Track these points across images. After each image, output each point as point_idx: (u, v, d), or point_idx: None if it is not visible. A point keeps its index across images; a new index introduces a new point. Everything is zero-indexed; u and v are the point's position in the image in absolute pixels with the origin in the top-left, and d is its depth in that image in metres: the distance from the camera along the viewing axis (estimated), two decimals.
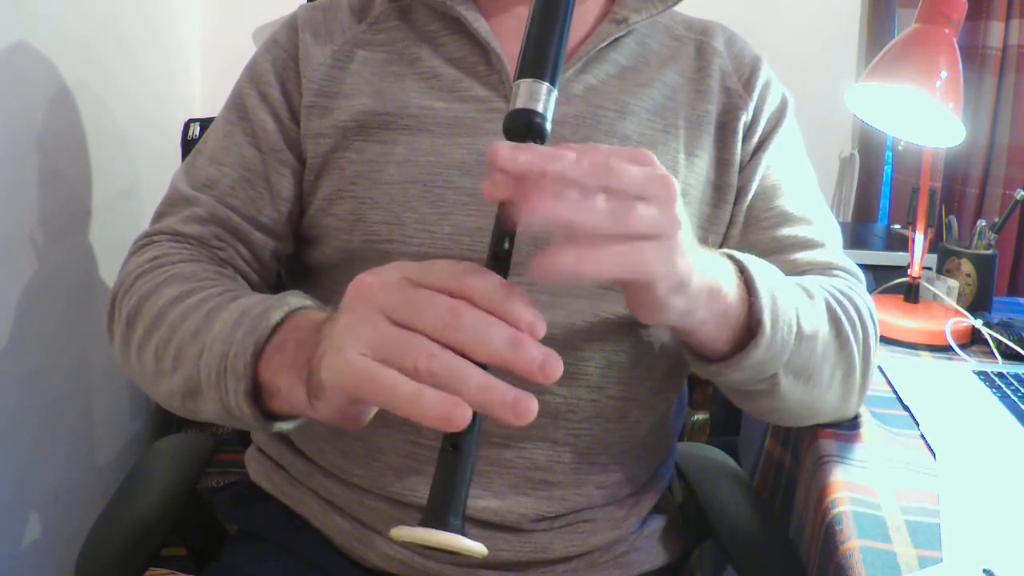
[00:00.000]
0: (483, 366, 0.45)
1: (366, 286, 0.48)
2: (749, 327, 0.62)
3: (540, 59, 0.53)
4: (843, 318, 0.70)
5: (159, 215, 0.79)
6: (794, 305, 0.64)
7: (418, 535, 0.45)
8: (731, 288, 0.59)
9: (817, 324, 0.67)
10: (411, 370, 0.45)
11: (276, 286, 0.82)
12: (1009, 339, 1.07)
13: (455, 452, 0.47)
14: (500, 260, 0.50)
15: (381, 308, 0.47)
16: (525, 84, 0.52)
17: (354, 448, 0.76)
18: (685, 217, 0.51)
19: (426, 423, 0.44)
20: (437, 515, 0.45)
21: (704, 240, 0.78)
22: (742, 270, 0.62)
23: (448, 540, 0.45)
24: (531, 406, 0.44)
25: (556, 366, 0.45)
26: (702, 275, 0.55)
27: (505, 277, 0.48)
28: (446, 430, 0.45)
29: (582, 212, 0.46)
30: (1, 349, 1.13)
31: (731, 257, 0.62)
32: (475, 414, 0.46)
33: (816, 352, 0.67)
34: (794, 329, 0.63)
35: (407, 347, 0.45)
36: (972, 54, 1.95)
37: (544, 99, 0.52)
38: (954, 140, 1.04)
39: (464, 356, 0.45)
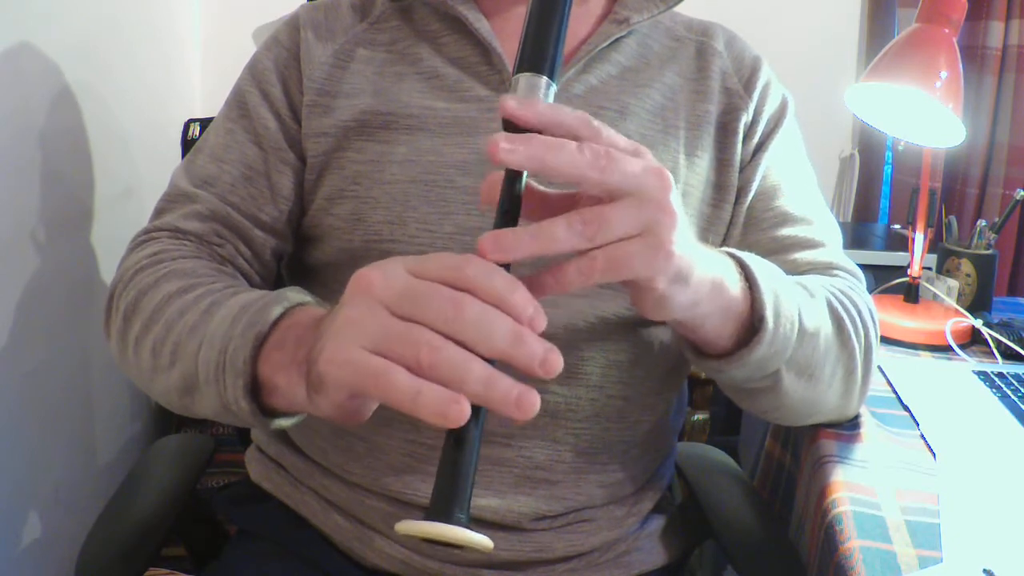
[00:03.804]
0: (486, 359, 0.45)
1: (367, 280, 0.48)
2: (751, 323, 0.62)
3: (538, 53, 0.53)
4: (844, 317, 0.70)
5: (159, 211, 0.79)
6: (796, 302, 0.64)
7: (423, 529, 0.45)
8: (734, 283, 0.59)
9: (819, 322, 0.67)
10: (413, 363, 0.44)
11: (276, 285, 0.82)
12: (1009, 339, 1.07)
13: (459, 446, 0.46)
14: None
15: (382, 301, 0.47)
16: (524, 78, 0.52)
17: (355, 447, 0.76)
18: (681, 208, 0.51)
19: (424, 419, 0.44)
20: (442, 509, 0.45)
21: (705, 240, 0.78)
22: (743, 267, 0.62)
23: (453, 533, 0.44)
24: (534, 401, 0.44)
25: (556, 361, 0.45)
26: (703, 268, 0.55)
27: (507, 271, 0.48)
28: (445, 427, 0.44)
29: (553, 242, 0.47)
30: (1, 349, 1.13)
31: (732, 255, 0.63)
32: (479, 408, 0.45)
33: (818, 349, 0.67)
34: (796, 326, 0.64)
35: (409, 339, 0.45)
36: (972, 54, 1.95)
37: (543, 93, 0.52)
38: (954, 140, 1.04)
39: (466, 349, 0.45)
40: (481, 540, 0.45)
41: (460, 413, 0.43)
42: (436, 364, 0.44)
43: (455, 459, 0.46)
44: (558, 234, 0.47)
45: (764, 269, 0.63)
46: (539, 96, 0.52)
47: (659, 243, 0.49)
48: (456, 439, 0.46)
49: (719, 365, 0.64)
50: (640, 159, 0.49)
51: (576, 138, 0.48)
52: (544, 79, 0.52)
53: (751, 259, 0.63)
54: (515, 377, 0.45)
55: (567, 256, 0.74)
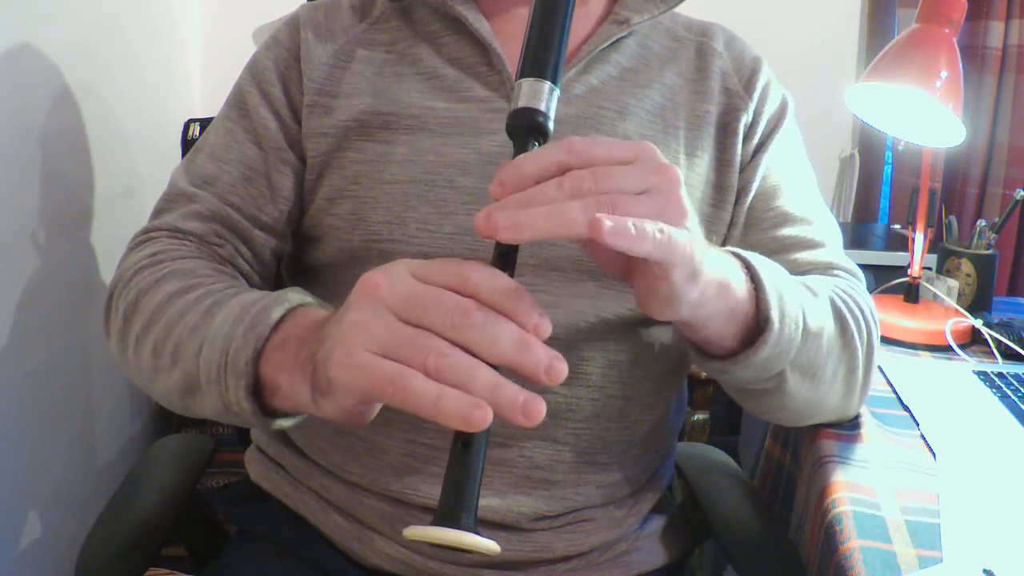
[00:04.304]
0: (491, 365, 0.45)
1: (373, 284, 0.48)
2: (757, 324, 0.62)
3: (542, 58, 0.53)
4: (848, 316, 0.70)
5: (158, 211, 0.79)
6: (800, 302, 0.64)
7: (431, 534, 0.45)
8: (739, 284, 0.59)
9: (822, 322, 0.67)
10: (420, 368, 0.44)
11: (276, 286, 0.82)
12: (1009, 339, 1.07)
13: (466, 450, 0.46)
14: (506, 259, 0.50)
15: (389, 306, 0.47)
16: (527, 83, 0.52)
17: (355, 446, 0.76)
18: (691, 206, 0.51)
19: (444, 423, 0.44)
20: (450, 513, 0.45)
21: (707, 240, 0.78)
22: (748, 267, 0.62)
23: (462, 538, 0.44)
24: (540, 407, 0.44)
25: (561, 369, 0.45)
26: (711, 269, 0.55)
27: (511, 276, 0.48)
28: (466, 431, 0.44)
29: (572, 225, 0.45)
30: (1, 349, 1.13)
31: (736, 255, 0.62)
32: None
33: (822, 349, 0.67)
34: (800, 326, 0.64)
35: (416, 345, 0.45)
36: (972, 54, 1.95)
37: (546, 98, 0.52)
38: (954, 140, 1.04)
39: (471, 355, 0.45)
40: (488, 544, 0.45)
41: (483, 418, 0.43)
42: (443, 369, 0.44)
43: (463, 463, 0.46)
44: (575, 216, 0.46)
45: (769, 269, 0.63)
46: (542, 102, 0.52)
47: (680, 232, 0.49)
48: (464, 443, 0.46)
49: (724, 366, 0.64)
50: (638, 163, 0.49)
51: (568, 169, 0.47)
52: (547, 84, 0.52)
53: (756, 259, 0.63)
54: (518, 382, 0.45)
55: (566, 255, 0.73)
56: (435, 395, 0.44)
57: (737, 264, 0.61)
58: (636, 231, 0.46)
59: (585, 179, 0.47)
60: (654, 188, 0.48)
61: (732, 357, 0.63)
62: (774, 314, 0.61)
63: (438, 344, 0.45)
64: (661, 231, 0.47)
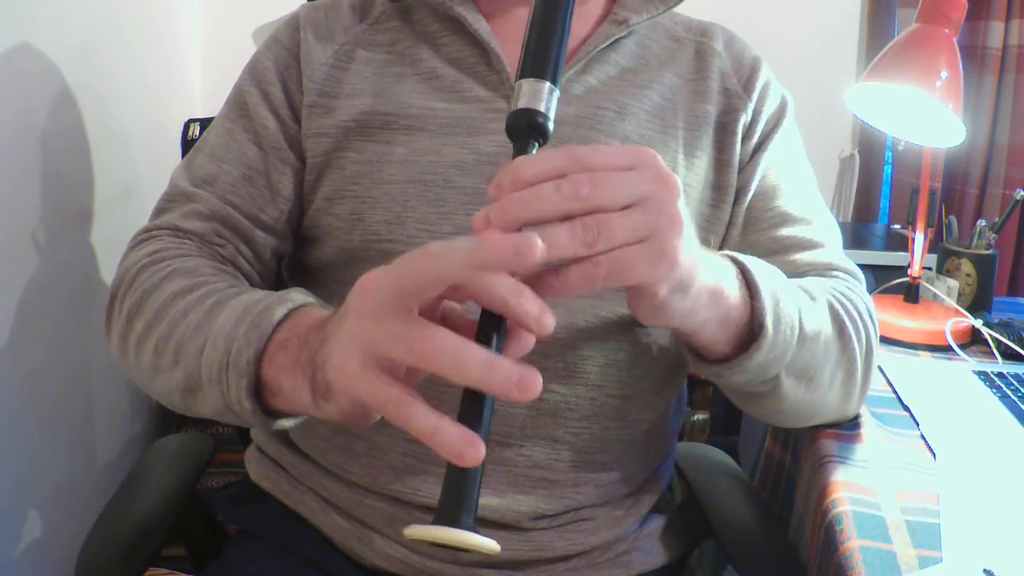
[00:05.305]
0: (486, 345, 0.45)
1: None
2: (751, 329, 0.61)
3: (542, 59, 0.53)
4: (846, 319, 0.70)
5: (158, 211, 0.79)
6: (796, 306, 0.64)
7: (432, 533, 0.45)
8: (733, 290, 0.59)
9: (819, 325, 0.67)
10: (409, 359, 0.44)
11: (276, 286, 0.82)
12: (1009, 339, 1.07)
13: None
14: None
15: None
16: (527, 84, 0.52)
17: (355, 446, 0.76)
18: (687, 215, 0.50)
19: (441, 455, 0.44)
20: (450, 513, 0.45)
21: (704, 241, 0.78)
22: (744, 272, 0.62)
23: (462, 538, 0.44)
24: (536, 380, 0.43)
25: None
26: (704, 277, 0.54)
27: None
28: (462, 465, 0.44)
29: (554, 247, 0.45)
30: (1, 349, 1.13)
31: (732, 259, 0.62)
32: (485, 408, 0.45)
33: (818, 353, 0.67)
34: (796, 331, 0.63)
35: (401, 338, 0.45)
36: (972, 54, 1.95)
37: (546, 98, 0.52)
38: (954, 140, 1.04)
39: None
40: (489, 544, 0.45)
41: (476, 456, 0.43)
42: (431, 355, 0.43)
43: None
44: (560, 239, 0.46)
45: (765, 273, 0.63)
46: (542, 102, 0.52)
47: (663, 251, 0.48)
48: None
49: (719, 370, 0.64)
50: (635, 170, 0.49)
51: (566, 174, 0.47)
52: (547, 85, 0.52)
53: (752, 263, 0.63)
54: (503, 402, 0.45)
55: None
56: (432, 426, 0.44)
57: (732, 269, 0.61)
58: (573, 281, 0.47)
59: (584, 183, 0.46)
60: (651, 197, 0.48)
61: (727, 362, 0.63)
62: (768, 320, 0.61)
63: (424, 330, 0.44)
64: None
